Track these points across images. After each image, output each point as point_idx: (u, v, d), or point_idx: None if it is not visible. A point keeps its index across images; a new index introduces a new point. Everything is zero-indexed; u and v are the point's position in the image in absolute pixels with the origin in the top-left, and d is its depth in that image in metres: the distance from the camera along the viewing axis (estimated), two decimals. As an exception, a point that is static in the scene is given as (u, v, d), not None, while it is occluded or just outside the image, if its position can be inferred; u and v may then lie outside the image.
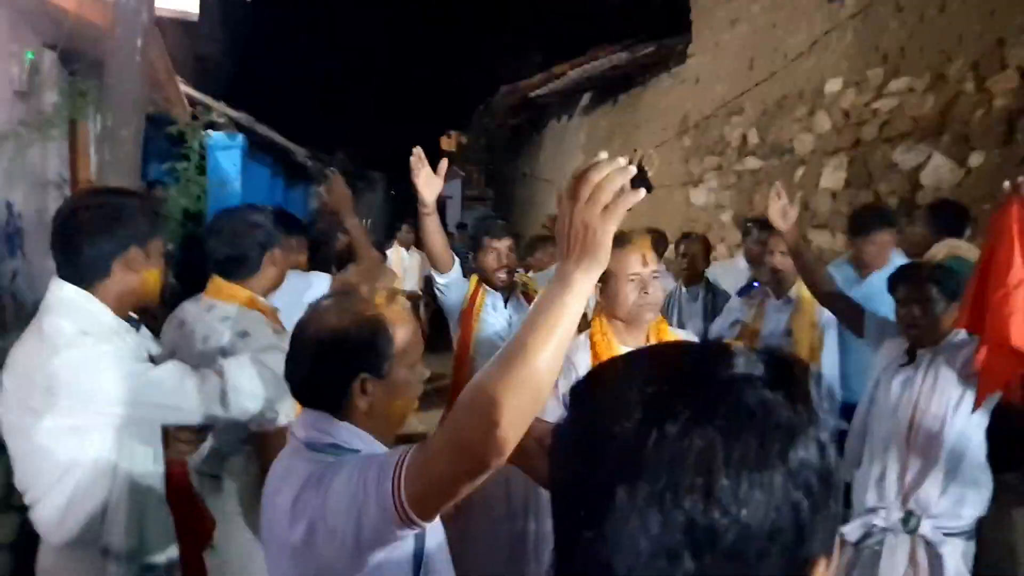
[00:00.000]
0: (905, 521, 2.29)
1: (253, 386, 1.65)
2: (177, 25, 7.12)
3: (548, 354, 1.01)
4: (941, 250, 3.35)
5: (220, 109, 6.60)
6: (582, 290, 1.00)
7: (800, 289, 3.41)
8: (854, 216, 3.72)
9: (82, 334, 1.53)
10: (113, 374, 1.52)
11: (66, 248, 1.60)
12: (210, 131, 6.03)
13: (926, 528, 2.26)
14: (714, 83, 6.97)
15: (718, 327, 3.58)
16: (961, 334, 2.38)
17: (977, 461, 2.29)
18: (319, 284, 2.61)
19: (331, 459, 1.22)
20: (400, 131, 20.54)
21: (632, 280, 1.97)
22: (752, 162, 6.39)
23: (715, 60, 6.94)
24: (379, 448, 1.28)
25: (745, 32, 6.45)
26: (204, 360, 1.79)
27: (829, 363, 3.34)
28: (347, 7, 16.48)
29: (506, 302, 3.02)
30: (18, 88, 3.51)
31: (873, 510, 2.37)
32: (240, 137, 6.53)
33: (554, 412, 1.94)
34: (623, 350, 1.97)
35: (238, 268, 2.03)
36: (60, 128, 3.45)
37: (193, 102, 6.14)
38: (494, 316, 2.95)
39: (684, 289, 4.37)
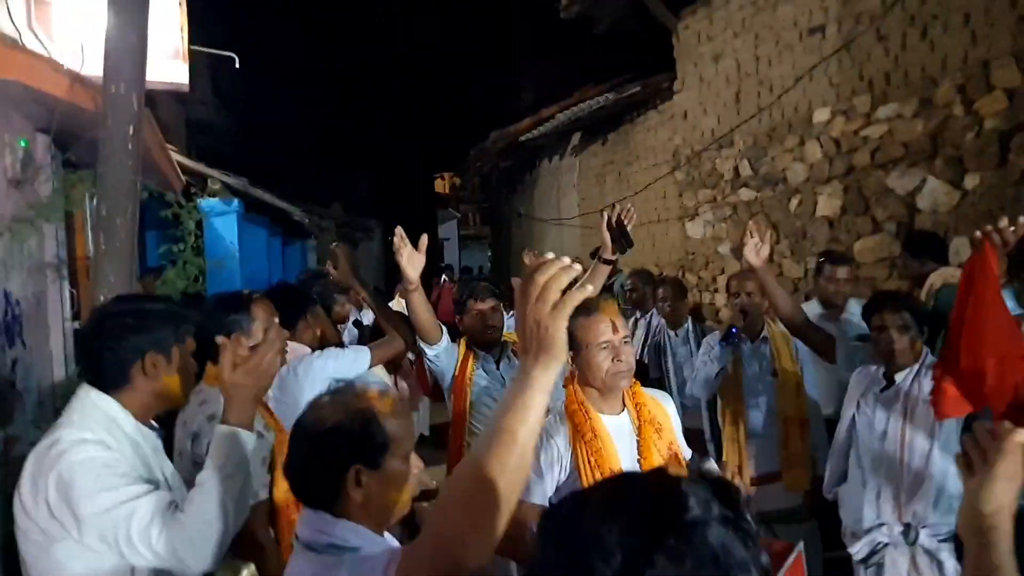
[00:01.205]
0: (905, 534, 2.49)
1: (204, 533, 1.53)
2: (166, 93, 7.22)
3: (513, 459, 1.04)
4: (937, 279, 3.42)
5: (214, 175, 6.65)
6: (543, 386, 1.04)
7: (772, 328, 3.44)
8: (818, 256, 4.05)
9: (82, 441, 1.52)
10: (88, 487, 1.48)
11: (87, 355, 1.68)
12: (206, 197, 6.07)
13: (924, 538, 2.47)
14: (702, 117, 7.03)
15: (702, 379, 3.52)
16: (931, 357, 2.62)
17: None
18: (322, 363, 2.57)
19: (332, 559, 1.26)
20: (395, 177, 20.74)
21: (604, 348, 1.98)
22: (746, 193, 6.40)
23: (702, 95, 7.01)
24: (378, 543, 1.32)
25: (730, 66, 6.52)
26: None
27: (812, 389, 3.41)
28: (337, 59, 16.73)
29: (498, 363, 3.00)
30: (12, 176, 3.53)
31: (874, 527, 2.58)
32: (236, 202, 6.57)
33: (541, 492, 2.00)
34: (601, 418, 2.02)
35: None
36: (56, 216, 3.47)
37: (186, 171, 6.19)
38: (486, 379, 2.94)
39: (672, 333, 4.38)
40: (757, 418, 3.39)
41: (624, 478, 0.77)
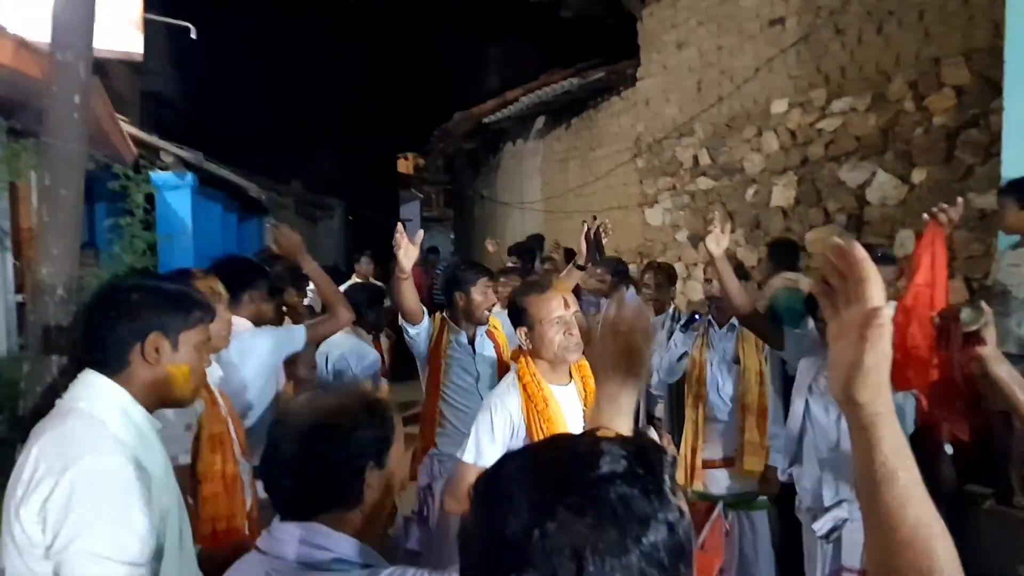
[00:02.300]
0: None
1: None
2: (120, 63, 6.98)
3: None
4: (777, 281, 3.98)
5: (168, 149, 6.47)
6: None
7: None
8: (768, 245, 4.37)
9: (102, 439, 1.39)
10: (90, 521, 1.31)
11: (86, 332, 1.52)
12: (158, 171, 5.90)
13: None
14: (664, 105, 7.08)
15: (667, 364, 3.71)
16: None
17: None
18: (261, 340, 2.55)
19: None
20: (357, 156, 20.43)
21: (556, 323, 2.11)
22: (704, 182, 6.49)
23: (664, 83, 7.06)
24: (381, 562, 1.20)
25: (693, 55, 6.58)
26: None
27: (777, 387, 3.47)
28: (298, 34, 16.35)
29: (473, 338, 3.22)
30: (-48, 143, 3.39)
31: (834, 505, 2.71)
32: (190, 176, 6.40)
33: (493, 455, 2.11)
34: (551, 388, 2.17)
35: None
36: (-1, 185, 3.35)
37: (139, 143, 6.01)
38: (459, 351, 3.20)
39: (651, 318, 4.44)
40: (717, 403, 3.49)
41: (552, 439, 0.80)
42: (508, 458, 0.76)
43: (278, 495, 1.21)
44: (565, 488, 0.66)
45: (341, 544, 1.16)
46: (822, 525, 2.71)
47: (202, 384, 1.63)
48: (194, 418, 1.96)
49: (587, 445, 0.71)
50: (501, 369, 3.16)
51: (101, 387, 1.46)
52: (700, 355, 3.54)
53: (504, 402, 2.15)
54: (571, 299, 2.15)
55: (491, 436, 2.13)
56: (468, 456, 2.14)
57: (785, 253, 4.31)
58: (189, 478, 1.95)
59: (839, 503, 2.71)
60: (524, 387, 2.16)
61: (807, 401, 2.83)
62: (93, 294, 1.58)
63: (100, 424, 1.41)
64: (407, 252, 2.87)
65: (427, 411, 3.23)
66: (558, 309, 2.11)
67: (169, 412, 1.54)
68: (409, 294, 3.05)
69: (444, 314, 3.27)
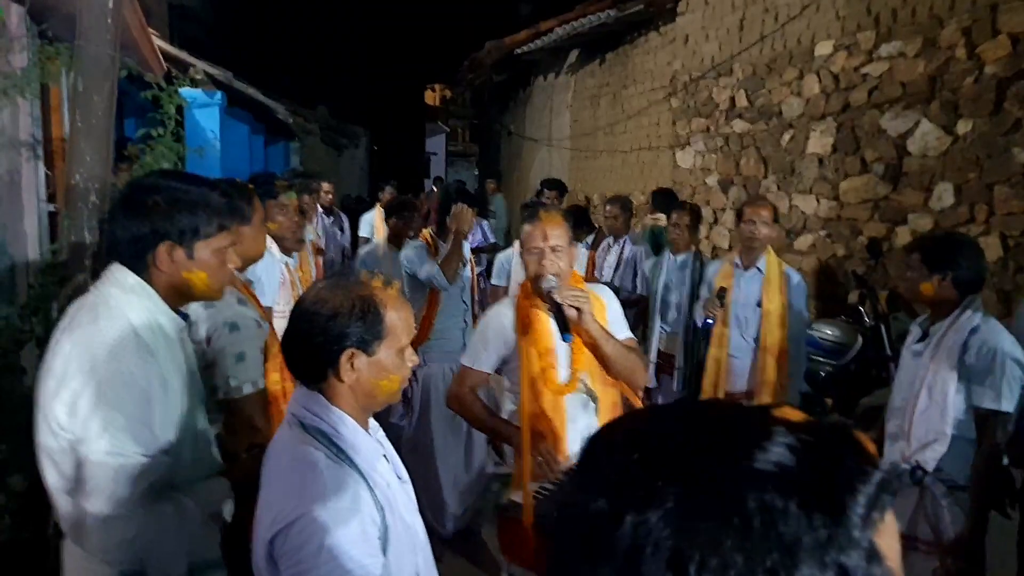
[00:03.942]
0: (912, 474, 2.50)
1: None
2: (150, -26, 6.86)
3: None
4: (648, 220, 5.10)
5: (197, 65, 6.40)
6: None
7: (769, 258, 3.56)
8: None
9: (128, 336, 1.45)
10: (110, 419, 1.41)
11: (111, 229, 1.54)
12: (187, 87, 5.84)
13: (929, 481, 2.48)
14: (703, 43, 6.85)
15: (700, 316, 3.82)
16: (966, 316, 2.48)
17: (969, 429, 2.45)
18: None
19: (313, 445, 1.33)
20: (383, 85, 20.13)
21: (533, 253, 2.20)
22: (740, 125, 6.33)
23: (705, 19, 6.82)
24: (361, 438, 1.39)
25: (736, -10, 6.32)
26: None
27: (796, 333, 3.55)
28: (328, -46, 15.92)
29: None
30: (-16, 46, 3.36)
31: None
32: (219, 94, 6.36)
33: (487, 361, 2.32)
34: (539, 312, 2.26)
35: None
36: (32, 90, 3.33)
37: (168, 58, 5.95)
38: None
39: (674, 257, 4.42)
40: (739, 342, 3.59)
41: (709, 403, 0.56)
42: (638, 417, 0.59)
43: (288, 364, 1.43)
44: (690, 471, 0.46)
45: (330, 415, 1.36)
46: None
47: (226, 283, 1.69)
48: (263, 339, 2.02)
49: (748, 421, 0.51)
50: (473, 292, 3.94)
51: (128, 284, 1.50)
52: (726, 297, 3.59)
53: (500, 317, 2.33)
54: (553, 232, 2.19)
55: (485, 344, 2.34)
56: (466, 360, 2.37)
57: (663, 199, 5.32)
58: (263, 402, 2.01)
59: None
60: (519, 308, 2.31)
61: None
62: (119, 192, 1.60)
63: (126, 324, 1.46)
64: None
65: (426, 310, 3.82)
66: (535, 240, 2.19)
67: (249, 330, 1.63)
68: (456, 261, 3.67)
69: (432, 232, 3.88)
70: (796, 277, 3.66)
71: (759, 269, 3.56)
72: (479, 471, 3.80)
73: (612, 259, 5.04)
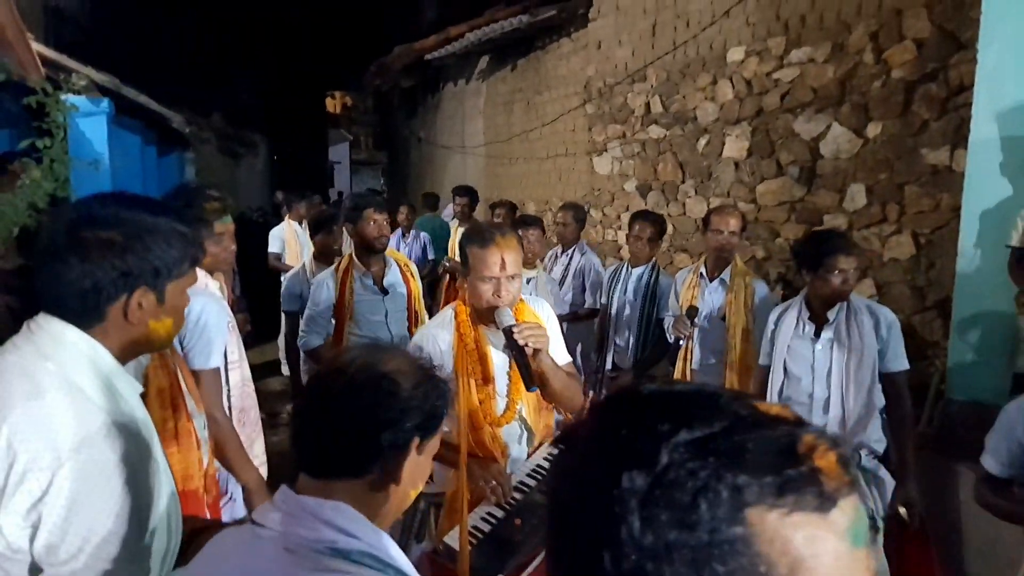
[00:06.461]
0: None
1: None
2: (22, -28, 6.22)
3: None
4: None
5: (80, 70, 5.86)
6: None
7: (735, 269, 3.48)
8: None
9: (87, 425, 1.12)
10: (84, 505, 1.10)
11: (45, 274, 1.18)
12: (70, 94, 5.32)
13: (864, 459, 2.72)
14: (616, 49, 6.89)
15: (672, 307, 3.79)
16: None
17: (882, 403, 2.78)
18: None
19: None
20: (283, 91, 19.38)
21: (489, 281, 2.08)
22: (656, 131, 6.39)
23: (617, 25, 6.86)
24: (403, 562, 1.07)
25: (647, -4, 6.39)
26: None
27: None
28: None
29: (381, 278, 3.51)
30: None
31: None
32: (106, 102, 5.82)
33: None
34: (482, 330, 2.19)
35: None
36: None
37: (47, 62, 5.41)
38: (364, 294, 3.46)
39: (632, 270, 4.25)
40: (704, 356, 3.53)
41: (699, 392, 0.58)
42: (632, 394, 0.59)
43: (310, 448, 1.08)
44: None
45: (362, 530, 1.01)
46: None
47: (179, 332, 1.36)
48: (139, 372, 1.72)
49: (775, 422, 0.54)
50: (410, 313, 3.48)
51: (71, 343, 1.17)
52: (693, 301, 3.57)
53: (437, 335, 2.22)
54: (511, 258, 2.07)
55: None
56: None
57: (430, 200, 8.24)
58: None
59: None
60: (458, 326, 2.21)
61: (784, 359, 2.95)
62: (51, 220, 1.25)
63: (81, 395, 1.14)
64: None
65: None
66: (493, 269, 2.06)
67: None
68: None
69: (352, 252, 3.50)
70: (764, 290, 3.52)
71: (723, 280, 3.45)
72: None
73: (559, 270, 4.82)
